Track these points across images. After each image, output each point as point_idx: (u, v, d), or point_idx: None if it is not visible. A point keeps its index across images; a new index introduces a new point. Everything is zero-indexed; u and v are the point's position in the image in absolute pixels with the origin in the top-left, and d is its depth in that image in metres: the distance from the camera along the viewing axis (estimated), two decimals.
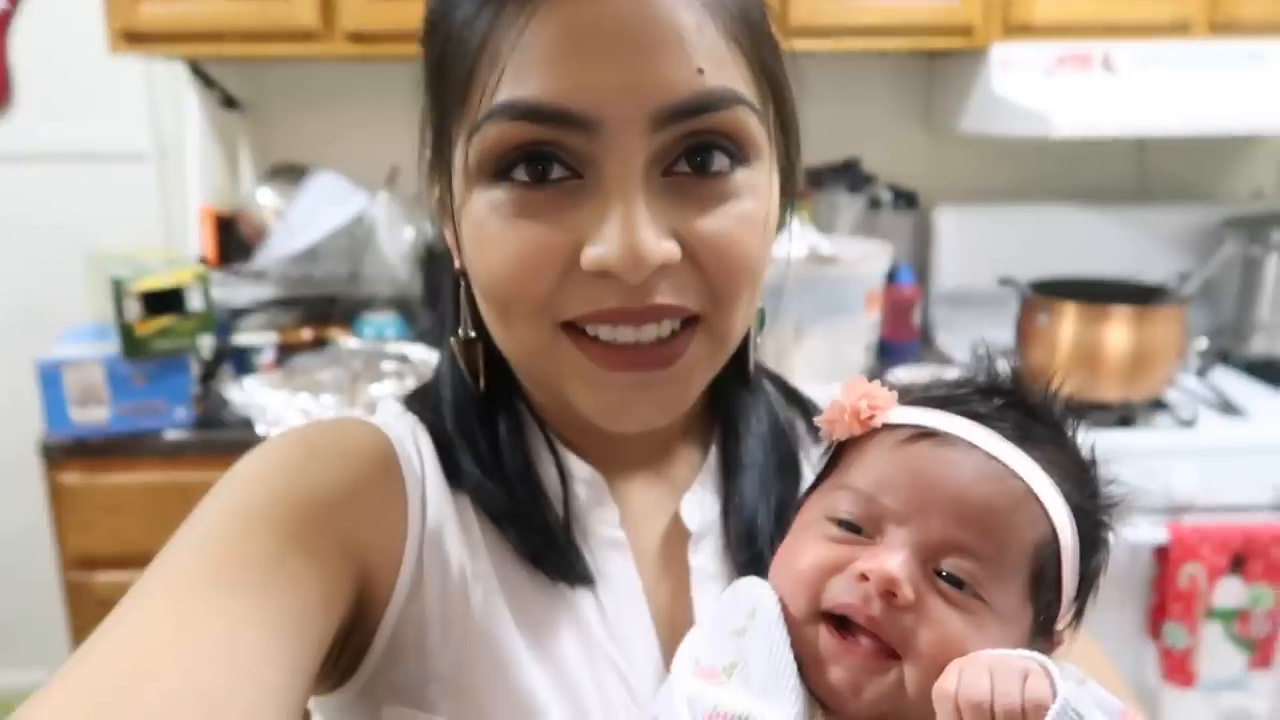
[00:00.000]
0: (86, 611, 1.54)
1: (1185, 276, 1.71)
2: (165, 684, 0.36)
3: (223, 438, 1.50)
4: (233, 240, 1.89)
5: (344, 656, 0.50)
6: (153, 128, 1.93)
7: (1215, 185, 2.11)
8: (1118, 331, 1.57)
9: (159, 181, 1.96)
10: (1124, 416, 1.58)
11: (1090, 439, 0.52)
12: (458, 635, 0.50)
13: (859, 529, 0.48)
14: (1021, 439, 0.49)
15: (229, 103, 1.92)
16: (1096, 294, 1.64)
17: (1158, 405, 1.61)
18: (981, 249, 1.97)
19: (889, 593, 0.45)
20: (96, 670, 0.36)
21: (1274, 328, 1.84)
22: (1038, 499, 0.47)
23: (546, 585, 0.52)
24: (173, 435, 1.50)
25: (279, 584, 0.42)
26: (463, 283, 0.52)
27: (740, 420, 0.59)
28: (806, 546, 0.49)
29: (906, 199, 1.98)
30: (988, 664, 0.43)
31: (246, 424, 1.51)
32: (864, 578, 0.45)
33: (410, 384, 1.58)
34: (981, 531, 0.46)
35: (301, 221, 1.77)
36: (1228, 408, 1.63)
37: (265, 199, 1.88)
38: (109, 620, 0.39)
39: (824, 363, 1.63)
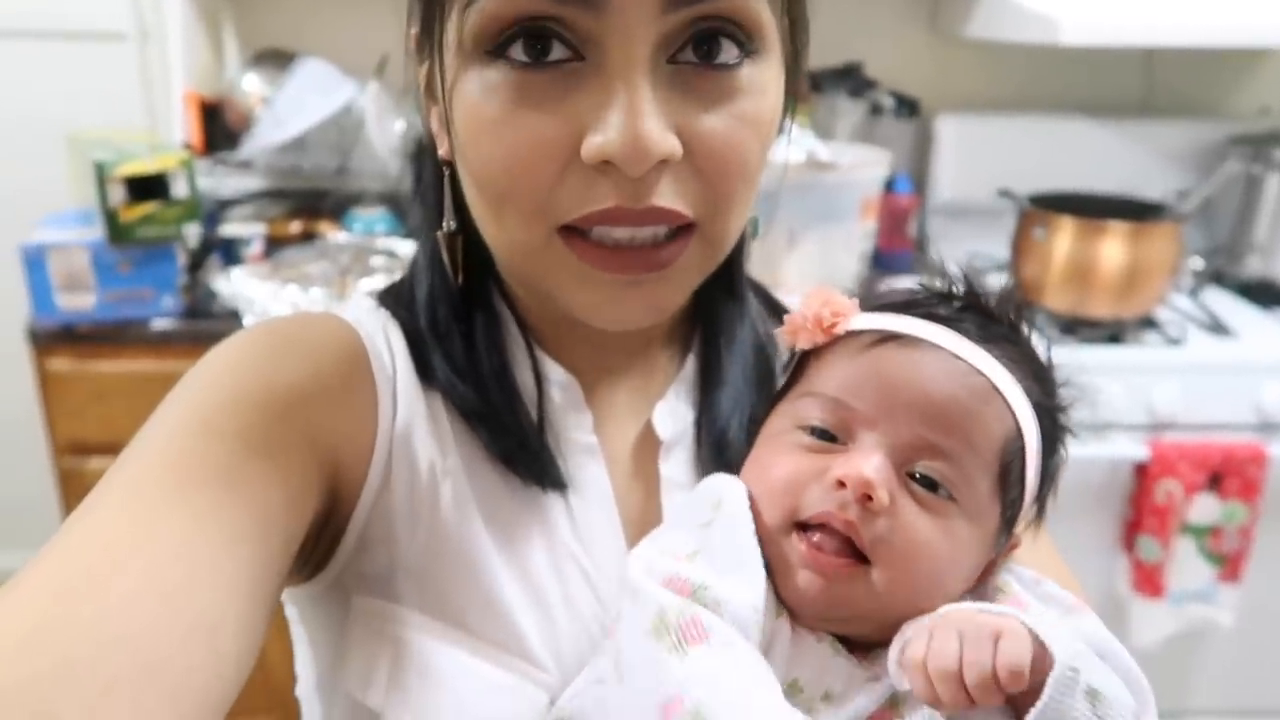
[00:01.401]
0: (78, 496, 1.54)
1: (1184, 194, 1.69)
2: (123, 582, 0.36)
3: (211, 329, 1.49)
4: (218, 127, 1.84)
5: (317, 550, 0.50)
6: (133, 6, 1.86)
7: (1222, 101, 2.07)
8: (1112, 247, 1.56)
9: (140, 63, 1.89)
10: (1113, 334, 1.59)
11: (1042, 341, 0.53)
12: (425, 528, 0.50)
13: (831, 436, 0.48)
14: (982, 339, 0.49)
15: None
16: (1094, 209, 1.62)
17: (1148, 323, 1.62)
18: (982, 160, 1.94)
19: (865, 496, 0.45)
20: (55, 570, 0.36)
21: (1269, 249, 1.83)
22: (1002, 395, 0.48)
23: (516, 486, 0.52)
24: (160, 324, 1.49)
25: (243, 481, 0.42)
26: (447, 172, 0.50)
27: (721, 331, 0.58)
28: (778, 457, 0.49)
29: (909, 106, 1.94)
30: (957, 626, 0.43)
31: (234, 315, 1.50)
32: (840, 484, 0.46)
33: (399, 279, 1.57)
34: (951, 430, 0.47)
35: (288, 110, 1.73)
36: (1217, 327, 1.63)
37: (251, 85, 1.83)
38: (70, 519, 0.39)
39: (816, 271, 1.62)
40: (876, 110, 1.92)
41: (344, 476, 0.49)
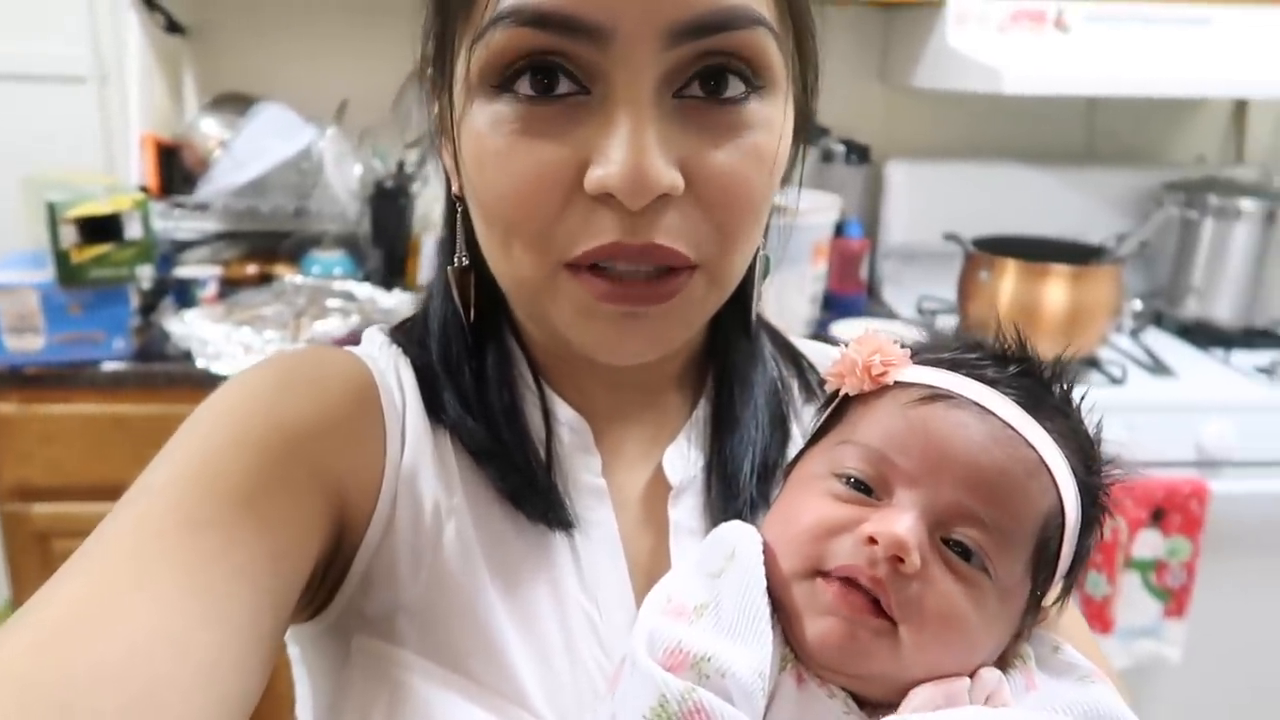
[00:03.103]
0: (23, 542, 1.53)
1: (1124, 238, 1.75)
2: (123, 627, 0.35)
3: (163, 370, 1.48)
4: (176, 170, 1.84)
5: (321, 589, 0.50)
6: (93, 50, 1.87)
7: (1160, 149, 2.15)
8: (1055, 289, 1.60)
9: (100, 106, 1.90)
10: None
11: (1094, 415, 0.51)
12: (427, 569, 0.49)
13: (867, 488, 0.47)
14: (1034, 409, 0.47)
15: (173, 27, 1.86)
16: (1037, 252, 1.67)
17: (1090, 363, 1.66)
18: (931, 205, 1.99)
19: (897, 558, 0.43)
20: (57, 613, 0.36)
21: (1206, 291, 1.89)
22: (1049, 470, 0.46)
23: (523, 528, 0.51)
24: (111, 366, 1.48)
25: (246, 522, 0.41)
26: (459, 208, 0.50)
27: (734, 374, 0.57)
28: (810, 503, 0.47)
29: (859, 153, 1.98)
30: None
31: (187, 357, 1.49)
32: (872, 541, 0.44)
33: (355, 322, 1.57)
34: (993, 500, 0.45)
35: (247, 153, 1.73)
36: (1157, 367, 1.68)
37: (210, 129, 1.84)
38: (70, 561, 0.39)
39: (769, 312, 1.64)
40: (828, 157, 1.97)
41: (350, 515, 0.48)
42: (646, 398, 0.56)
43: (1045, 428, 0.47)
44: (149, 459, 0.45)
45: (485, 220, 0.46)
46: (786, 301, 1.68)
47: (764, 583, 0.45)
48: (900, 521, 0.44)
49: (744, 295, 0.53)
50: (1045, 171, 2.02)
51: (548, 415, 0.53)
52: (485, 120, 0.44)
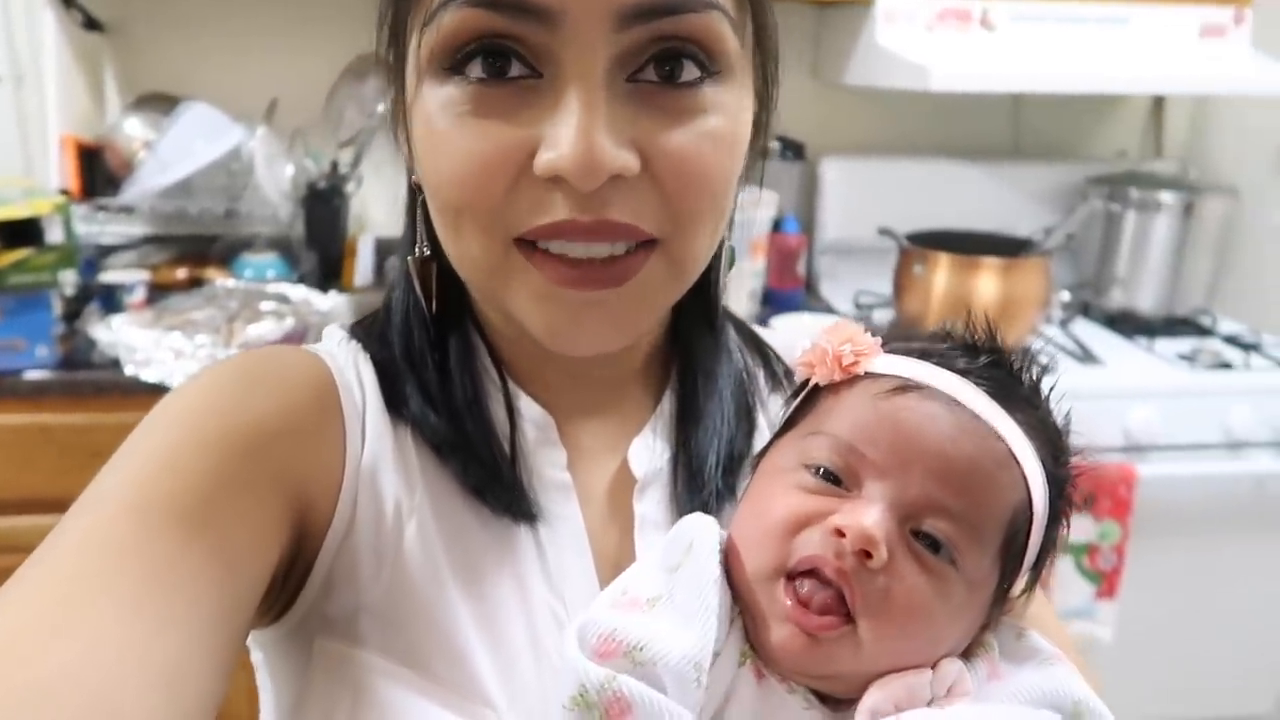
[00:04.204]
0: None
1: (1050, 231, 1.79)
2: (80, 634, 0.35)
3: (89, 378, 1.44)
4: (98, 172, 1.79)
5: (284, 592, 0.49)
6: (7, 49, 1.81)
7: (1083, 145, 2.21)
8: (986, 281, 1.64)
9: (16, 107, 1.83)
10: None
11: (1063, 405, 0.50)
12: (389, 568, 0.49)
13: (837, 479, 0.46)
14: (1004, 400, 0.47)
15: (91, 24, 1.80)
16: (969, 246, 1.71)
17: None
18: (864, 201, 2.02)
19: (863, 551, 0.43)
20: (5, 628, 0.35)
21: (1130, 281, 1.95)
22: (1018, 463, 0.46)
23: (487, 521, 0.51)
24: (34, 375, 1.43)
25: (205, 526, 0.40)
26: (420, 197, 0.50)
27: (699, 366, 0.57)
28: (778, 495, 0.47)
29: (795, 150, 2.01)
30: None
31: (115, 364, 1.45)
32: (839, 533, 0.43)
33: (290, 325, 1.54)
34: (963, 492, 0.45)
35: (173, 154, 1.69)
36: (1086, 356, 1.72)
37: (133, 129, 1.79)
38: (23, 569, 0.38)
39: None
40: (764, 153, 1.98)
41: (311, 515, 0.47)
42: (611, 391, 0.56)
43: (1015, 419, 0.47)
44: (78, 469, 0.44)
45: (437, 203, 0.46)
46: (727, 297, 1.69)
47: (717, 573, 0.45)
48: (869, 514, 0.43)
49: (707, 286, 0.53)
50: (974, 167, 2.06)
51: (511, 409, 0.53)
52: (436, 103, 0.43)
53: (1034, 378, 0.50)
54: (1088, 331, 1.86)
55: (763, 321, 1.77)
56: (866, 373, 0.49)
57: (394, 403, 0.51)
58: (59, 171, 1.73)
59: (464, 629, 0.48)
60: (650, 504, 0.54)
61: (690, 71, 0.43)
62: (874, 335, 0.50)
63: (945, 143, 2.11)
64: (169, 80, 1.86)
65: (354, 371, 0.52)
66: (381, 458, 0.50)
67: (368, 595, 0.48)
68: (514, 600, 0.50)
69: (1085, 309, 1.97)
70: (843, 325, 0.50)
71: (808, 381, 0.51)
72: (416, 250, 0.52)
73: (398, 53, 0.47)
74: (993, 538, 0.46)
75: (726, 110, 0.44)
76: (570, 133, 0.40)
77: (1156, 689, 1.75)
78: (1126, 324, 1.91)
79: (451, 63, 0.43)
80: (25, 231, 1.40)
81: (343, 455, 0.49)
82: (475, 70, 0.42)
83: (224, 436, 0.44)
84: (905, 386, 0.47)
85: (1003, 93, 2.07)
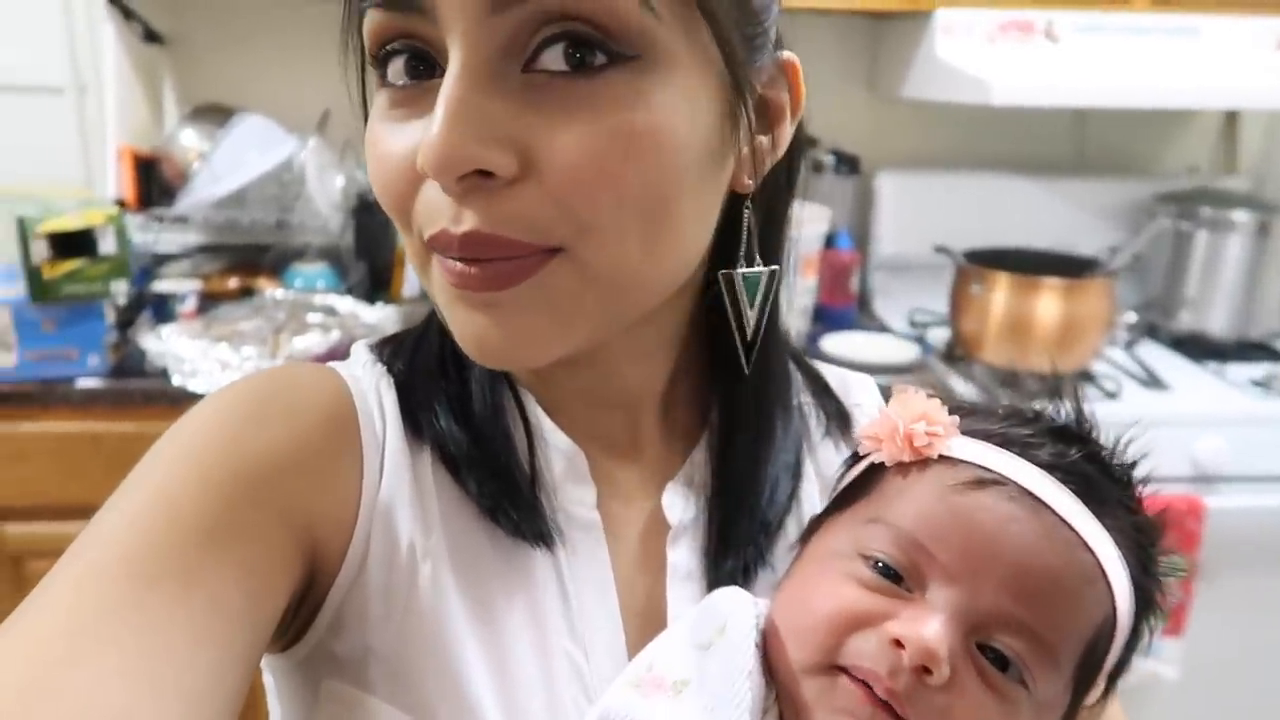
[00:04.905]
0: None
1: (1116, 250, 1.73)
2: (65, 707, 0.33)
3: (138, 388, 1.45)
4: (154, 182, 1.81)
5: (294, 622, 0.47)
6: (69, 60, 1.84)
7: (1151, 160, 2.13)
8: (1047, 302, 1.58)
9: (77, 117, 1.87)
10: (1053, 388, 1.60)
11: (1130, 438, 0.46)
12: (400, 613, 0.46)
13: (897, 576, 0.42)
14: (1092, 501, 0.43)
15: (151, 36, 1.83)
16: (1029, 264, 1.65)
17: (1084, 376, 1.64)
18: (920, 216, 1.97)
19: (923, 667, 0.39)
20: (8, 661, 0.34)
21: (1200, 303, 1.87)
22: (1106, 577, 0.42)
23: (504, 553, 0.48)
24: (85, 383, 1.44)
25: (209, 572, 0.39)
26: None
27: (744, 404, 0.52)
28: (830, 586, 0.43)
29: (849, 164, 1.97)
30: None
31: (163, 374, 1.46)
32: (898, 644, 0.39)
33: (336, 338, 1.54)
34: (1042, 608, 0.40)
35: (226, 166, 1.70)
36: (1152, 381, 1.66)
37: (189, 140, 1.81)
38: (13, 619, 0.36)
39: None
40: (817, 168, 1.95)
41: (321, 552, 0.45)
42: (643, 428, 0.52)
43: (1105, 524, 0.42)
44: (124, 478, 0.42)
45: None
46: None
47: (752, 664, 0.41)
48: (930, 625, 0.39)
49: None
50: (1035, 183, 2.00)
51: (529, 426, 0.50)
52: (375, 107, 0.43)
53: (1126, 470, 0.45)
54: (1154, 355, 1.79)
55: (813, 339, 1.73)
56: (940, 456, 0.44)
57: (414, 423, 0.49)
58: (116, 181, 1.76)
59: (475, 679, 0.46)
60: (683, 553, 0.50)
61: (593, 56, 0.38)
62: (951, 411, 0.45)
63: (1005, 157, 2.05)
64: (225, 92, 1.88)
65: (376, 397, 0.49)
66: (398, 493, 0.47)
67: (377, 638, 0.46)
68: (530, 646, 0.47)
69: (1152, 331, 1.90)
70: (916, 397, 0.45)
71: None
72: None
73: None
74: (1070, 657, 0.42)
75: (647, 102, 0.38)
76: (431, 127, 0.37)
77: None
78: (1196, 347, 1.83)
79: (379, 66, 0.42)
80: (79, 242, 1.41)
81: (358, 490, 0.46)
82: (394, 73, 0.41)
83: (230, 476, 0.42)
84: (983, 480, 0.42)
85: (1066, 106, 2.00)
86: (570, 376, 0.50)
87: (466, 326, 0.42)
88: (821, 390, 0.58)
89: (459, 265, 0.40)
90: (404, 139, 0.40)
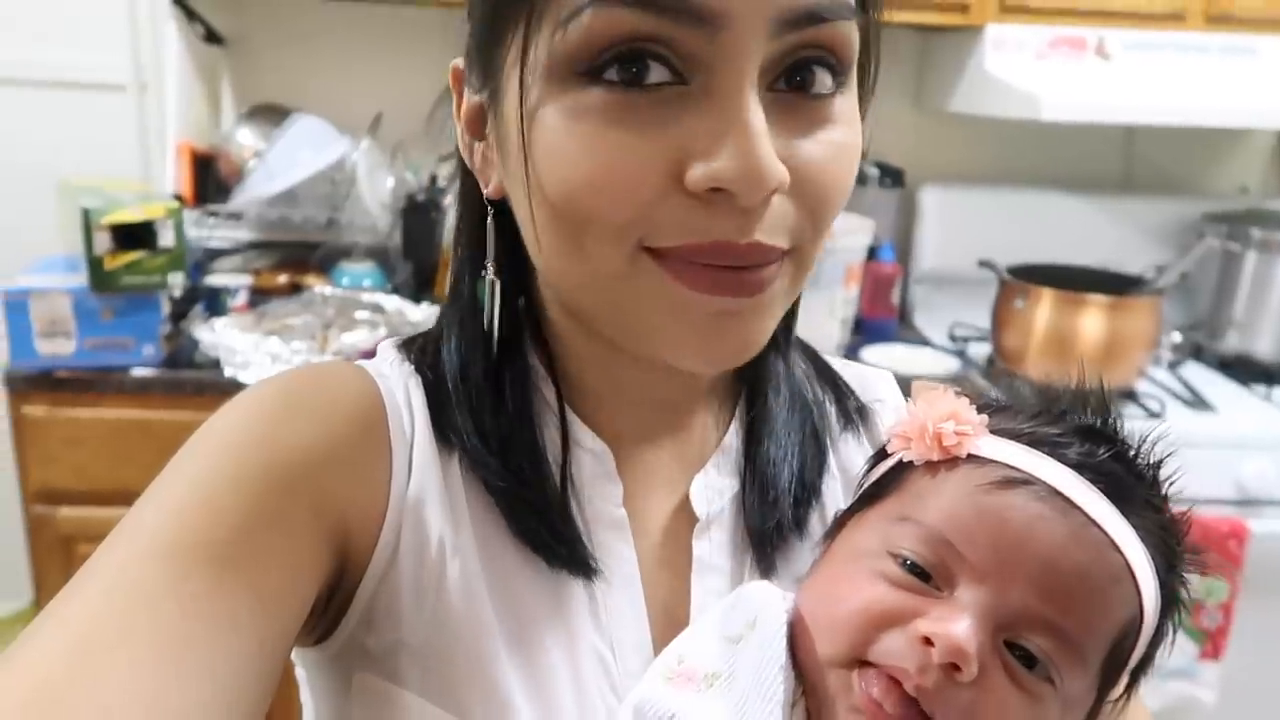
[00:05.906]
0: (47, 545, 1.53)
1: (1163, 269, 1.71)
2: (101, 694, 0.34)
3: (191, 378, 1.49)
4: (210, 179, 1.86)
5: (325, 616, 0.48)
6: (132, 59, 1.90)
7: (1201, 179, 2.11)
8: (1092, 320, 1.57)
9: (138, 114, 1.92)
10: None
11: (1172, 457, 0.46)
12: (430, 607, 0.47)
13: (925, 574, 0.42)
14: (1121, 500, 0.43)
15: (211, 37, 1.88)
16: (1074, 281, 1.64)
17: (1127, 395, 1.62)
18: (964, 230, 1.97)
19: (951, 664, 0.39)
20: (27, 682, 0.34)
21: (1248, 325, 1.85)
22: (1134, 577, 0.42)
23: (535, 567, 0.48)
24: (140, 372, 1.48)
25: (241, 564, 0.40)
26: (491, 212, 0.48)
27: (769, 394, 0.54)
28: (857, 583, 0.43)
29: (893, 176, 1.97)
30: None
31: (215, 365, 1.50)
32: (927, 642, 0.40)
33: (382, 334, 1.57)
34: (1070, 607, 0.41)
35: (280, 164, 1.74)
36: (1196, 402, 1.64)
37: (245, 138, 1.85)
38: (50, 609, 0.37)
39: (799, 335, 1.62)
40: (861, 179, 1.95)
41: (352, 546, 0.46)
42: (675, 418, 0.53)
43: (1132, 523, 0.43)
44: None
45: (554, 214, 0.42)
46: (817, 325, 1.66)
47: (783, 659, 0.42)
48: (960, 623, 0.40)
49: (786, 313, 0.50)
50: (1082, 200, 1.99)
51: (566, 440, 0.50)
52: (567, 109, 0.40)
53: (1153, 469, 0.46)
54: (1199, 376, 1.77)
55: (853, 350, 1.74)
56: (969, 455, 0.44)
57: (443, 431, 0.49)
58: (174, 177, 1.80)
59: (505, 673, 0.46)
60: (710, 546, 0.51)
61: (823, 80, 0.41)
62: (980, 410, 0.46)
63: (1051, 173, 2.04)
64: (281, 92, 1.92)
65: (404, 395, 0.50)
66: (428, 490, 0.48)
67: (408, 632, 0.47)
68: (559, 642, 0.48)
69: (1198, 352, 1.88)
70: (945, 396, 0.46)
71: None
72: (490, 272, 0.49)
73: (491, 56, 0.44)
74: (1096, 656, 0.42)
75: (852, 121, 0.43)
76: (734, 144, 0.38)
77: None
78: (1242, 369, 1.81)
79: (588, 66, 0.39)
80: (139, 235, 1.45)
81: (388, 485, 0.47)
82: (612, 74, 0.39)
83: (263, 469, 0.43)
84: (1012, 480, 0.43)
85: (1116, 124, 1.99)
86: (624, 381, 0.50)
87: (693, 340, 0.43)
88: (841, 386, 0.59)
89: (721, 275, 0.41)
90: (634, 147, 0.39)
